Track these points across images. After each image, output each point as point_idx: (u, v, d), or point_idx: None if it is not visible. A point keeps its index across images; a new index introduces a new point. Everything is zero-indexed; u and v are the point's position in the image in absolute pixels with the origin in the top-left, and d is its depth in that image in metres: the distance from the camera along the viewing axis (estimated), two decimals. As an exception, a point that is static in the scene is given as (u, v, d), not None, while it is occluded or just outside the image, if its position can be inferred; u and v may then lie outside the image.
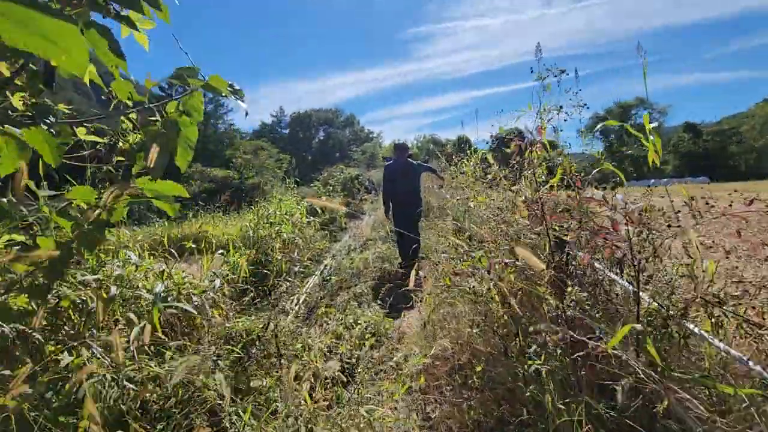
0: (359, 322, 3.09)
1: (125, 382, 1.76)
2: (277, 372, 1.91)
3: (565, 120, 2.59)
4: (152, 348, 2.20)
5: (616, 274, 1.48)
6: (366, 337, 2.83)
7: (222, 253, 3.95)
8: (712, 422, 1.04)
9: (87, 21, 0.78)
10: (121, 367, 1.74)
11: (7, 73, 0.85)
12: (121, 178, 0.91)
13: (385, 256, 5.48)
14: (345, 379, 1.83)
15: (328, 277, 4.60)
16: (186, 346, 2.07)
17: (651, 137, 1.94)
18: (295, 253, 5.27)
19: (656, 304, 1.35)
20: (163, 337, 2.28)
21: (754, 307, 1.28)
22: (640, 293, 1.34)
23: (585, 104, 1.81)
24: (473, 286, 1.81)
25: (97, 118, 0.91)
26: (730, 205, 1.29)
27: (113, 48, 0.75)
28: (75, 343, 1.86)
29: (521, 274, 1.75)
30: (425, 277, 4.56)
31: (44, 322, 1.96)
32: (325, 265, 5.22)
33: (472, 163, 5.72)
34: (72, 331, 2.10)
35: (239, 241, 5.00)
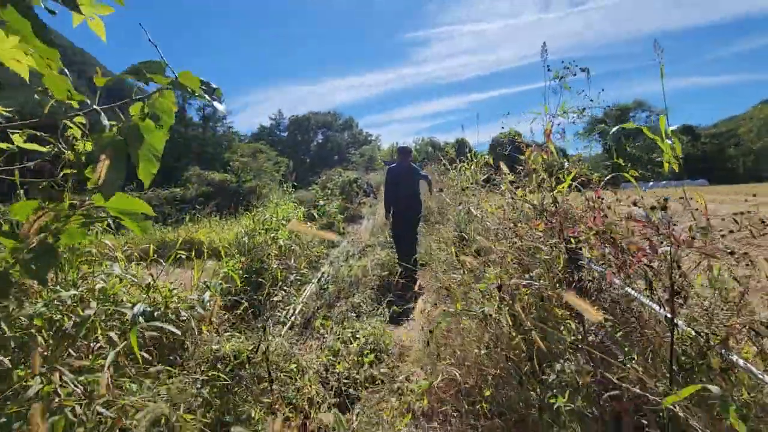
0: (358, 336, 2.92)
1: (99, 409, 1.60)
2: (268, 398, 1.74)
3: (573, 122, 2.43)
4: (133, 369, 2.04)
5: (647, 296, 1.32)
6: (365, 353, 2.67)
7: (217, 261, 3.79)
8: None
9: None
10: (94, 397, 1.58)
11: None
12: (70, 194, 0.76)
13: (385, 262, 5.33)
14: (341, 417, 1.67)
15: (325, 286, 4.43)
16: (169, 370, 1.90)
17: (669, 140, 1.80)
18: (292, 260, 5.10)
19: (692, 331, 1.19)
20: (146, 356, 2.12)
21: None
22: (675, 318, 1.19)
23: (609, 105, 1.68)
24: (484, 311, 1.65)
25: (31, 123, 0.75)
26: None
27: (39, 32, 0.59)
28: (44, 369, 1.69)
29: (535, 293, 1.60)
30: (425, 286, 4.40)
31: (13, 344, 1.80)
32: (323, 273, 5.05)
33: (472, 167, 5.58)
34: (46, 353, 1.94)
35: (234, 248, 4.84)
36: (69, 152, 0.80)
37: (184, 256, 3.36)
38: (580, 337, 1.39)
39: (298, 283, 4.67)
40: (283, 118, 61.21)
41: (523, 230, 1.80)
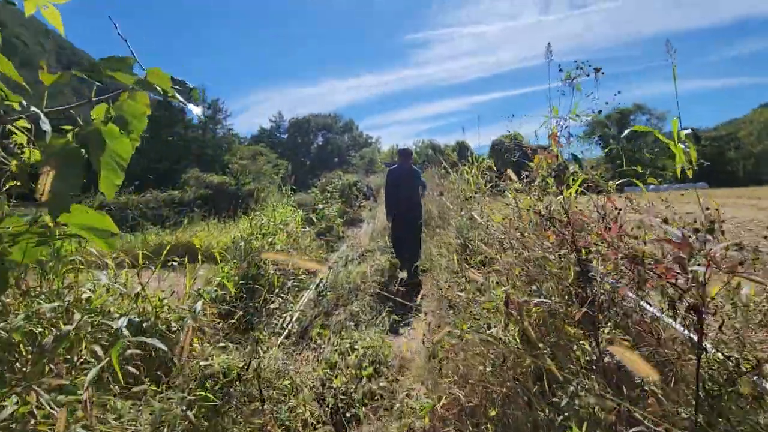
0: (356, 347, 2.81)
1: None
2: (259, 419, 1.64)
3: (585, 125, 2.33)
4: (117, 387, 1.93)
5: (669, 315, 1.22)
6: (364, 365, 2.56)
7: (213, 265, 3.68)
8: None
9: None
10: (72, 421, 1.47)
11: None
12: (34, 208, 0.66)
13: (385, 268, 5.23)
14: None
15: (323, 293, 4.32)
16: (154, 389, 1.79)
17: (682, 144, 1.70)
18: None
19: (721, 356, 1.09)
20: (133, 370, 2.00)
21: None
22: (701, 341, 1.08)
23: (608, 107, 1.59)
24: (492, 332, 1.54)
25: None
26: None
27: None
28: (20, 388, 1.58)
29: (545, 308, 1.49)
30: (426, 294, 4.30)
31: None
32: (321, 279, 4.94)
33: (474, 171, 5.48)
34: (25, 369, 1.83)
35: (230, 253, 4.73)
36: (13, 161, 0.70)
37: (177, 263, 3.25)
38: (595, 358, 1.29)
39: (296, 289, 4.56)
40: (283, 120, 61.16)
41: (531, 240, 1.70)
